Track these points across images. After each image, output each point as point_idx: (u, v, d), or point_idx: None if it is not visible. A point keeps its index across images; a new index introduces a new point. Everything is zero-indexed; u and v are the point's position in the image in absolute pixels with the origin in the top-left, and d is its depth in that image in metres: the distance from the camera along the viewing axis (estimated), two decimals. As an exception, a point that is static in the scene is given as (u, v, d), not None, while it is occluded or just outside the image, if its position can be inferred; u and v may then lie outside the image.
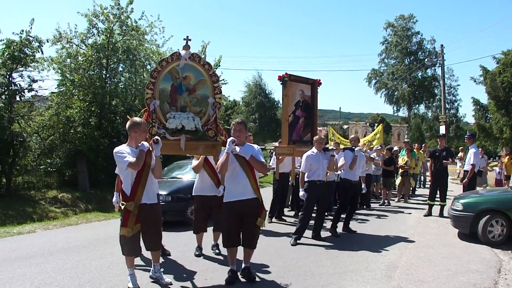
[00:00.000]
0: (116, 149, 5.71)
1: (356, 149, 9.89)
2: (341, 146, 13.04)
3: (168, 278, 6.12)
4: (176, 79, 7.20)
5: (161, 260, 7.15)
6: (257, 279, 6.34)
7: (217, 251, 7.73)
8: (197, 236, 7.73)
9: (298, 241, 8.72)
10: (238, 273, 6.30)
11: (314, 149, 8.92)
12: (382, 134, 17.97)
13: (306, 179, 8.82)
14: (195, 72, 7.31)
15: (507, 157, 19.64)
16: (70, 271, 6.60)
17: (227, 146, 5.99)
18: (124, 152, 5.61)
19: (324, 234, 9.41)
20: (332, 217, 10.12)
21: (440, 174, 11.99)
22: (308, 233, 9.15)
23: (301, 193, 8.77)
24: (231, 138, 6.05)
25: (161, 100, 7.05)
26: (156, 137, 5.86)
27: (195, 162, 7.54)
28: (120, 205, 5.74)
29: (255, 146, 6.47)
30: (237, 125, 6.25)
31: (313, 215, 9.31)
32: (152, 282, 6.10)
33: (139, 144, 5.73)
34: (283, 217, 11.46)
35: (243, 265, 6.37)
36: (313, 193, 8.75)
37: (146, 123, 5.98)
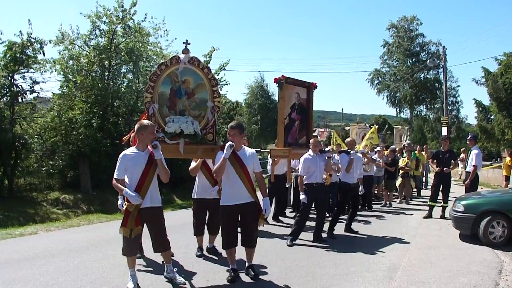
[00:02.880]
0: (121, 154, 5.87)
1: (351, 152, 9.90)
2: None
3: (181, 278, 6.16)
4: (175, 83, 7.23)
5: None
6: (260, 277, 6.37)
7: (212, 252, 7.79)
8: (198, 238, 7.78)
9: (294, 242, 8.76)
10: (239, 271, 6.38)
11: (310, 152, 8.95)
12: (376, 135, 17.96)
13: (304, 182, 8.84)
14: (194, 76, 7.34)
15: (508, 158, 19.65)
16: (72, 273, 6.62)
17: (225, 151, 6.03)
18: (122, 163, 5.77)
19: (323, 235, 9.42)
20: (331, 219, 10.09)
21: (443, 176, 11.97)
22: (309, 235, 9.18)
23: (302, 196, 8.78)
24: (230, 143, 6.08)
25: (160, 104, 7.08)
26: (155, 142, 5.89)
27: (193, 164, 7.56)
28: (124, 205, 5.75)
29: (252, 150, 6.52)
30: (230, 129, 6.27)
31: (315, 216, 9.34)
32: (154, 282, 6.12)
33: (149, 146, 5.83)
34: (280, 218, 11.51)
35: (246, 264, 6.48)
36: (311, 196, 8.75)
37: (154, 125, 6.03)
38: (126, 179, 5.83)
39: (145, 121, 5.96)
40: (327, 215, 11.34)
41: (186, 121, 7.00)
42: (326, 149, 9.82)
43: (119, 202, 7.04)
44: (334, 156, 10.54)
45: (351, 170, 9.81)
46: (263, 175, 6.89)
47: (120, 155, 5.85)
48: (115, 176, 5.80)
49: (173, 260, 7.24)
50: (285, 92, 9.74)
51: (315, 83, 10.54)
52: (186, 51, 7.26)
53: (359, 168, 10.41)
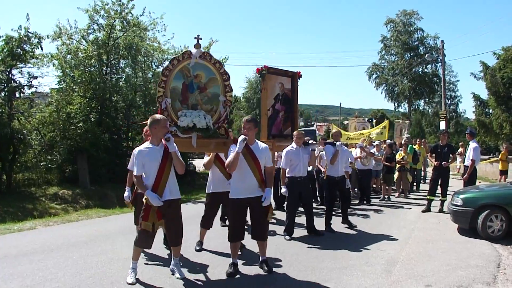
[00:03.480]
0: (136, 150, 5.90)
1: (337, 143, 9.72)
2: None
3: (179, 274, 6.16)
4: (187, 78, 7.28)
5: (165, 255, 7.22)
6: (258, 271, 6.38)
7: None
8: (202, 231, 7.80)
9: (292, 236, 8.79)
10: (254, 264, 6.54)
11: (293, 144, 8.86)
12: (386, 130, 17.96)
13: (287, 175, 8.80)
14: (206, 71, 7.38)
15: (502, 152, 19.72)
16: (71, 267, 6.62)
17: (238, 145, 6.06)
18: (139, 160, 5.74)
19: (320, 229, 9.43)
20: (325, 214, 10.06)
21: (442, 170, 11.98)
22: (305, 230, 9.21)
23: (283, 189, 8.75)
24: (243, 137, 6.11)
25: (173, 98, 7.12)
26: (168, 135, 5.91)
27: (206, 158, 7.60)
28: (144, 200, 5.79)
29: (264, 145, 6.55)
30: (246, 122, 6.29)
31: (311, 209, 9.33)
32: (153, 276, 6.13)
33: (162, 140, 5.87)
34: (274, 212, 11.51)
35: (260, 258, 6.55)
36: (295, 189, 8.72)
37: (166, 119, 6.03)
38: (144, 175, 5.84)
39: (157, 115, 5.96)
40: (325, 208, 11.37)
41: (198, 115, 7.05)
42: (310, 142, 9.72)
43: (126, 194, 7.08)
44: (320, 148, 10.41)
45: (336, 162, 9.69)
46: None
47: (135, 152, 5.88)
48: (134, 173, 5.82)
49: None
50: (267, 83, 9.62)
51: (299, 72, 10.31)
52: (197, 45, 7.31)
53: (345, 161, 10.18)
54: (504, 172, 20.11)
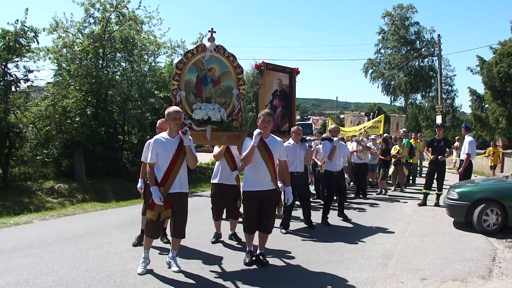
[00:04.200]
0: (153, 138, 6.00)
1: (334, 139, 9.80)
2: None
3: (176, 267, 6.16)
4: (201, 71, 7.39)
5: (163, 247, 7.24)
6: (255, 267, 6.41)
7: (235, 239, 7.90)
8: (216, 223, 7.87)
9: (288, 229, 8.85)
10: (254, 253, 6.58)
11: (291, 140, 8.91)
12: (382, 124, 17.99)
13: None
14: (220, 64, 7.49)
15: (491, 147, 19.79)
16: (68, 261, 6.62)
17: (253, 138, 6.09)
18: (154, 148, 5.84)
19: (316, 222, 9.48)
20: (323, 208, 10.09)
21: (438, 164, 12.00)
22: (303, 224, 9.25)
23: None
24: (258, 130, 6.15)
25: (187, 91, 7.23)
26: (185, 128, 5.95)
27: (216, 149, 7.64)
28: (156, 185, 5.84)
29: (279, 138, 6.59)
30: (266, 116, 6.28)
31: (312, 204, 9.39)
32: (151, 271, 6.14)
33: (180, 132, 5.93)
34: None
35: (257, 251, 6.59)
36: (291, 184, 8.70)
37: (177, 111, 5.96)
38: (157, 164, 5.91)
39: (171, 108, 6.01)
40: (322, 202, 11.41)
41: (213, 108, 7.13)
42: (307, 138, 9.77)
43: (139, 185, 7.17)
44: (318, 143, 10.48)
45: (334, 157, 9.75)
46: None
47: (152, 140, 5.95)
48: (148, 160, 5.93)
49: (185, 245, 7.29)
50: (266, 79, 9.65)
51: (297, 69, 10.37)
52: (211, 39, 7.40)
53: (343, 156, 10.32)
54: (493, 167, 20.18)
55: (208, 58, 7.35)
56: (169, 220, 6.21)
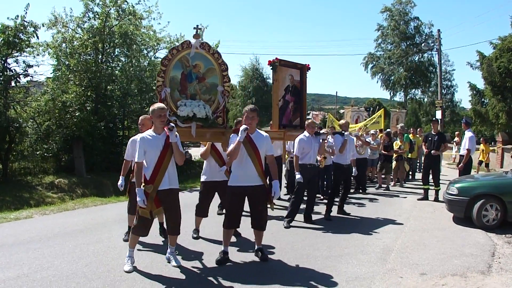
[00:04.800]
0: (138, 136, 5.98)
1: (345, 133, 10.04)
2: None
3: (175, 262, 6.20)
4: (186, 67, 7.38)
5: (161, 243, 7.26)
6: (256, 261, 6.43)
7: (194, 235, 7.86)
8: (197, 219, 7.83)
9: (291, 224, 8.88)
10: (228, 254, 6.50)
11: (306, 133, 9.03)
12: (382, 119, 17.96)
13: (298, 163, 8.91)
14: (205, 61, 7.48)
15: (482, 144, 19.76)
16: (68, 256, 6.63)
17: (239, 134, 6.06)
18: (141, 146, 5.79)
19: (316, 217, 9.51)
20: (327, 201, 10.17)
21: (432, 159, 12.04)
22: (301, 217, 9.25)
23: (298, 176, 8.84)
24: (244, 126, 6.11)
25: (172, 88, 7.24)
26: (171, 124, 5.94)
27: (202, 149, 7.60)
28: (142, 187, 5.82)
29: (265, 134, 6.56)
30: (250, 112, 6.27)
31: (305, 198, 9.45)
32: (150, 264, 6.16)
33: (165, 129, 5.91)
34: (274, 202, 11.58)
35: (256, 247, 6.63)
36: (304, 176, 8.83)
37: (162, 108, 5.93)
38: (144, 162, 5.88)
39: (155, 104, 6.00)
40: (321, 197, 11.46)
41: (198, 104, 7.13)
42: (321, 132, 9.89)
43: (119, 182, 7.22)
44: (328, 138, 10.61)
45: (345, 151, 9.94)
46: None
47: (138, 139, 5.90)
48: (136, 159, 5.86)
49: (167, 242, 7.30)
50: (279, 74, 9.72)
51: (308, 65, 10.50)
52: (197, 36, 7.40)
53: (352, 150, 10.52)
54: (480, 162, 20.15)
55: (193, 55, 7.33)
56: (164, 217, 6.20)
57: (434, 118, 14.56)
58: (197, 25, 7.49)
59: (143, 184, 5.81)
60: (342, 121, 11.04)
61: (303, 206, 9.52)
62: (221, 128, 7.34)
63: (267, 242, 7.39)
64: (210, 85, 7.49)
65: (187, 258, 6.53)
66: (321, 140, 9.20)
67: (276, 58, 9.69)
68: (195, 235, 7.79)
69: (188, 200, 10.55)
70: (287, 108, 10.04)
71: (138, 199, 5.72)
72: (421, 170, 20.17)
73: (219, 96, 7.45)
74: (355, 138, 13.93)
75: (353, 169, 10.78)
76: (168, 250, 6.33)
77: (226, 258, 6.40)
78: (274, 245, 7.30)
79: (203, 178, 7.74)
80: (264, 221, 6.53)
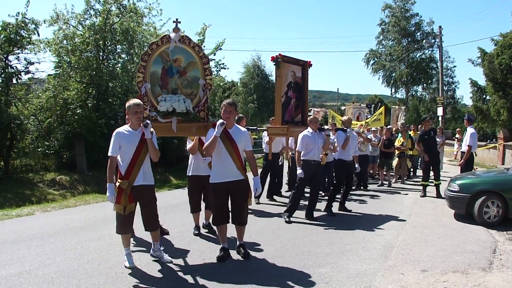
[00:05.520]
0: (115, 131, 5.90)
1: (348, 129, 10.04)
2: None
3: (168, 257, 6.22)
4: (166, 62, 7.28)
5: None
6: (254, 256, 6.42)
7: (207, 229, 7.92)
8: (194, 216, 7.85)
9: (291, 219, 8.93)
10: (230, 251, 6.50)
11: (309, 129, 9.03)
12: (383, 117, 17.97)
13: (302, 158, 8.92)
14: (185, 54, 7.37)
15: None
16: (69, 253, 6.65)
17: (216, 129, 6.04)
18: (116, 141, 5.81)
19: (318, 214, 9.52)
20: (328, 197, 10.21)
21: (435, 156, 12.09)
22: (302, 213, 9.26)
23: (299, 171, 8.85)
24: (221, 121, 6.10)
25: (152, 83, 7.16)
26: (146, 121, 5.93)
27: (189, 144, 7.58)
28: (117, 183, 5.85)
29: (243, 129, 6.56)
30: (228, 106, 6.27)
31: (307, 195, 9.46)
32: (152, 261, 6.18)
33: (141, 126, 5.89)
34: (274, 198, 11.60)
35: (237, 243, 6.55)
36: (307, 172, 8.85)
37: (138, 104, 5.90)
38: (119, 157, 5.87)
39: (131, 101, 5.95)
40: (322, 194, 11.47)
41: (178, 99, 7.04)
42: (325, 127, 9.93)
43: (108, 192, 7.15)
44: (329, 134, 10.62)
45: (347, 147, 9.95)
46: (258, 154, 6.93)
47: (114, 133, 5.87)
48: (109, 153, 5.83)
49: (167, 239, 7.32)
50: (282, 71, 9.73)
51: (310, 62, 10.55)
52: (176, 29, 7.31)
53: (355, 146, 10.59)
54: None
55: (173, 49, 7.25)
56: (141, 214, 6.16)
57: (425, 117, 14.55)
58: (176, 19, 7.42)
59: (118, 180, 5.85)
60: (344, 118, 11.05)
61: (305, 202, 9.54)
62: (204, 122, 7.28)
63: (268, 239, 7.42)
64: (191, 79, 7.39)
65: (185, 255, 6.54)
66: (325, 136, 9.20)
67: (279, 54, 9.71)
68: (196, 232, 7.80)
69: (177, 199, 10.65)
70: (289, 105, 10.07)
71: (108, 194, 5.78)
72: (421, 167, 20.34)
73: (201, 90, 7.36)
74: (356, 135, 13.99)
75: (356, 165, 10.81)
76: (153, 247, 6.32)
77: (227, 254, 6.40)
78: (275, 242, 7.30)
79: (189, 172, 7.76)
80: (245, 217, 6.47)
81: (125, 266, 5.92)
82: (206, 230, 7.94)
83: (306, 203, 9.47)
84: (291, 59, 10.17)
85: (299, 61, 10.38)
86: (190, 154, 7.71)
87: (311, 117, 9.30)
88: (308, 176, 8.89)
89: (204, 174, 7.40)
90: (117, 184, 5.81)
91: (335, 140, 10.31)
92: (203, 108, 7.34)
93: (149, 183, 6.00)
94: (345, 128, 10.18)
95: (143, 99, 6.65)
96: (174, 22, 7.42)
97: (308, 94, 10.69)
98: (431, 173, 12.50)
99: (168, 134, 7.51)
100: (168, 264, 6.10)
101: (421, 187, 12.81)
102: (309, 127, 9.09)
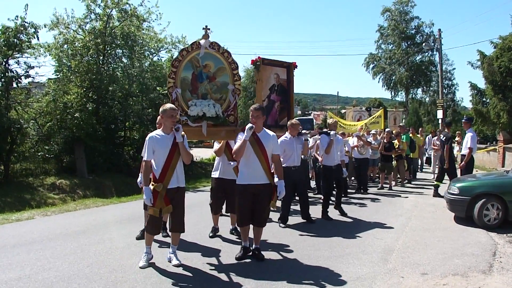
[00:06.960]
0: (148, 136, 6.06)
1: (331, 133, 9.76)
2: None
3: (177, 261, 6.22)
4: (196, 68, 7.45)
5: (162, 243, 7.26)
6: (255, 261, 6.42)
7: (236, 234, 7.98)
8: (215, 217, 7.99)
9: (288, 223, 8.94)
10: (249, 250, 6.62)
11: (287, 134, 8.93)
12: (382, 119, 17.96)
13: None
14: (215, 60, 7.54)
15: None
16: (69, 257, 6.64)
17: (245, 133, 6.17)
18: (150, 145, 5.93)
19: (317, 217, 9.53)
20: (322, 203, 10.11)
21: (451, 160, 12.26)
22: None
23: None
24: (250, 125, 6.21)
25: (183, 89, 7.31)
26: (177, 125, 6.05)
27: (217, 146, 7.70)
28: (150, 186, 5.95)
29: (271, 133, 6.63)
30: (254, 111, 6.38)
31: (310, 198, 9.44)
32: (156, 265, 6.17)
33: (173, 129, 6.02)
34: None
35: (253, 246, 6.63)
36: (289, 179, 8.43)
37: (174, 109, 6.08)
38: (153, 161, 6.00)
39: (167, 105, 6.12)
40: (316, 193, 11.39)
41: (208, 104, 7.21)
42: (303, 132, 9.81)
43: (139, 179, 7.25)
44: (307, 139, 10.52)
45: (331, 151, 9.72)
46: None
47: (147, 138, 6.02)
48: (144, 158, 6.00)
49: (184, 239, 7.31)
50: (262, 74, 9.70)
51: (295, 63, 10.41)
52: (206, 36, 7.47)
53: (340, 150, 10.24)
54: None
55: (202, 55, 7.41)
56: (169, 215, 6.29)
57: (448, 120, 14.47)
58: (206, 26, 7.56)
59: (152, 183, 5.95)
60: (330, 120, 10.76)
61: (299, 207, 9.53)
62: (233, 126, 7.40)
63: (268, 243, 7.42)
64: (220, 84, 7.56)
65: (189, 257, 6.53)
66: (303, 141, 9.15)
67: (258, 57, 9.69)
68: (211, 234, 7.92)
69: (201, 198, 10.64)
70: (273, 108, 9.99)
71: (144, 197, 5.88)
72: (421, 170, 20.35)
73: (230, 94, 7.53)
74: (356, 138, 13.98)
75: (344, 170, 10.36)
76: (170, 250, 6.37)
77: (247, 252, 6.56)
78: (275, 246, 7.30)
79: (214, 174, 7.89)
80: (265, 219, 6.61)
81: (139, 266, 6.06)
82: (234, 233, 8.02)
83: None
84: (274, 62, 10.12)
85: (283, 63, 10.32)
86: (217, 157, 7.85)
87: (292, 121, 9.12)
88: (291, 182, 8.60)
89: (228, 178, 7.56)
90: (152, 187, 5.92)
91: (319, 141, 10.16)
92: (233, 113, 7.53)
93: (182, 185, 6.17)
94: (329, 132, 9.90)
95: (174, 104, 6.72)
96: (203, 29, 7.54)
97: (294, 96, 10.57)
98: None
99: (199, 138, 7.83)
100: (170, 268, 6.09)
101: (420, 190, 12.80)
102: (287, 132, 8.96)
